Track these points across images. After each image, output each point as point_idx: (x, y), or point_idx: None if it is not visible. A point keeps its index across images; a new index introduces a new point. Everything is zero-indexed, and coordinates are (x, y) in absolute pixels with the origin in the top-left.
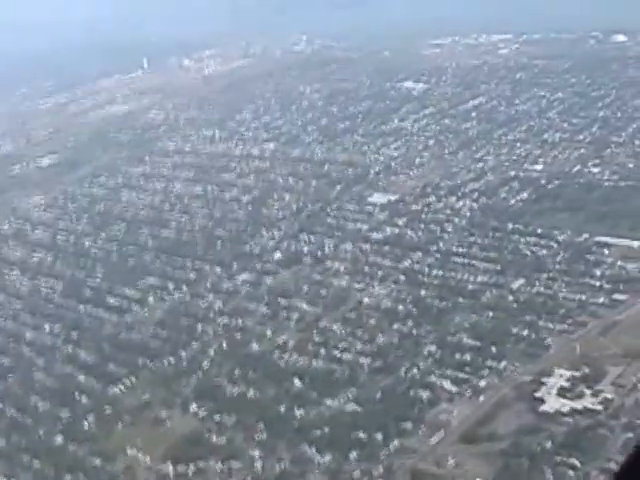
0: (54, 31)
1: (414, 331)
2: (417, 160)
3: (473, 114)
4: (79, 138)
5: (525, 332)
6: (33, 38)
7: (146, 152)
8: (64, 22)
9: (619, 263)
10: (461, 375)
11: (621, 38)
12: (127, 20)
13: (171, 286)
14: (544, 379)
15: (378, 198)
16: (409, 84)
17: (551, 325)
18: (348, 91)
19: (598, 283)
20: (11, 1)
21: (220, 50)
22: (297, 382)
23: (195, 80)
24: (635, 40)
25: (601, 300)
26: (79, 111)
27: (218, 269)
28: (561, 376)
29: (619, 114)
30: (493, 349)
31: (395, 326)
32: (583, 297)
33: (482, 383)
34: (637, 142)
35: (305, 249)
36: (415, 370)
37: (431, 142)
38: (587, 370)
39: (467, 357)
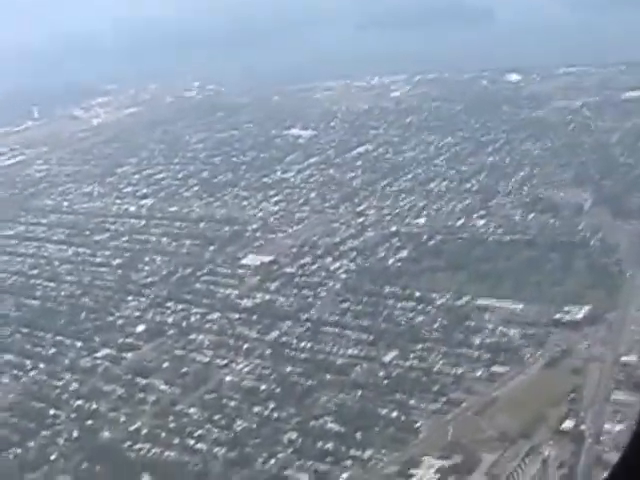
0: None
1: (275, 414)
2: (297, 215)
3: (359, 162)
4: None
5: (394, 414)
6: None
7: (22, 211)
8: None
9: (500, 329)
10: (322, 467)
11: (515, 77)
12: (21, 67)
13: (28, 364)
14: (411, 470)
15: (252, 260)
16: (296, 131)
17: (423, 405)
18: (234, 140)
19: (476, 353)
20: None
21: (111, 97)
22: (147, 477)
23: (83, 131)
24: (529, 79)
25: (478, 373)
26: None
27: (78, 344)
28: (430, 467)
29: (508, 159)
30: (358, 435)
31: (255, 409)
32: (459, 370)
33: (344, 476)
34: (524, 191)
35: (170, 320)
36: (273, 461)
37: (313, 195)
38: (459, 458)
39: (329, 445)
